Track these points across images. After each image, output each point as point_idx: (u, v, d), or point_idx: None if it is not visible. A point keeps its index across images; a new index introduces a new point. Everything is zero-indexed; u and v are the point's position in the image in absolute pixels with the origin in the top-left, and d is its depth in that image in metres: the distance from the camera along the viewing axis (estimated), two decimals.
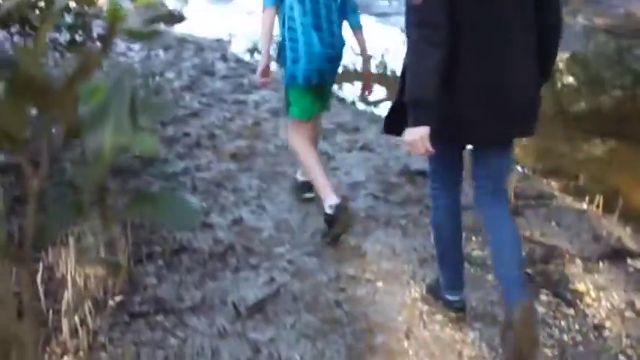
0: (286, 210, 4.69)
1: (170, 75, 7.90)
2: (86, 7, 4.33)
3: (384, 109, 7.25)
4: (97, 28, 5.14)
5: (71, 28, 4.41)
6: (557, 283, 3.85)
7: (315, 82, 4.31)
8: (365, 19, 5.66)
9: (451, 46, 2.79)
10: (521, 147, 6.36)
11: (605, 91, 8.60)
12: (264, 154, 5.62)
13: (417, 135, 2.83)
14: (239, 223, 4.50)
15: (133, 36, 0.75)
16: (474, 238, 4.26)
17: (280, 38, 4.34)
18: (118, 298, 3.56)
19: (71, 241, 3.59)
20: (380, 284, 3.81)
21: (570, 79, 9.11)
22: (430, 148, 2.84)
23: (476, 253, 4.12)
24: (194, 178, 5.18)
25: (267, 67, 4.33)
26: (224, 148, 5.68)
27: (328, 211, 4.14)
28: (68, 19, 4.42)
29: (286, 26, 4.24)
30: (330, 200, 4.15)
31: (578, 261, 4.05)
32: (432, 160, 3.22)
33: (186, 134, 6.04)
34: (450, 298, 3.49)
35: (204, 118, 6.46)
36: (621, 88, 8.72)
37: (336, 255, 4.11)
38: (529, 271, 3.89)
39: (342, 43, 4.37)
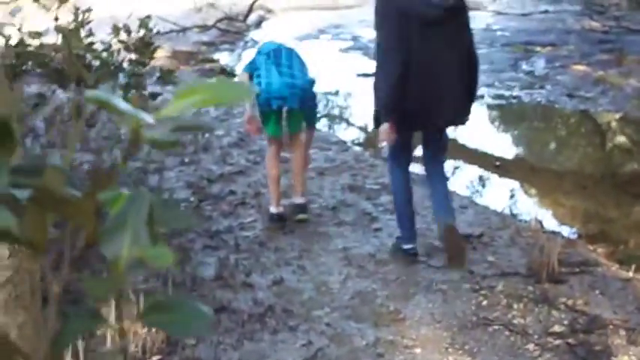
0: (327, 272, 4.71)
1: (220, 132, 8.03)
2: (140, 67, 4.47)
3: None
4: (150, 86, 5.30)
5: (126, 88, 4.54)
6: (600, 354, 3.78)
7: (276, 107, 5.21)
8: None
9: (405, 71, 4.30)
10: (568, 209, 6.32)
11: (631, 146, 8.51)
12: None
13: (384, 128, 4.46)
14: (279, 283, 4.53)
15: (157, 146, 0.80)
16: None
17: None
18: (156, 358, 3.60)
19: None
20: (418, 350, 3.79)
21: (622, 140, 9.03)
22: (392, 137, 4.48)
23: None
24: (237, 236, 5.24)
25: (251, 117, 5.42)
26: (269, 207, 5.74)
27: (270, 212, 5.50)
28: (122, 78, 4.57)
29: (255, 79, 5.22)
30: (273, 209, 5.49)
31: (622, 332, 3.97)
32: (391, 144, 4.63)
33: (232, 192, 6.13)
34: (406, 247, 4.81)
35: (251, 176, 6.54)
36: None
37: (374, 319, 4.10)
38: (570, 341, 3.83)
39: (304, 78, 5.31)
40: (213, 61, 13.76)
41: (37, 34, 4.66)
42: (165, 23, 15.47)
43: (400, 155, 4.78)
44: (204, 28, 15.83)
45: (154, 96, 4.69)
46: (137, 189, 0.80)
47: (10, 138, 0.72)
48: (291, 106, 5.26)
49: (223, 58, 14.64)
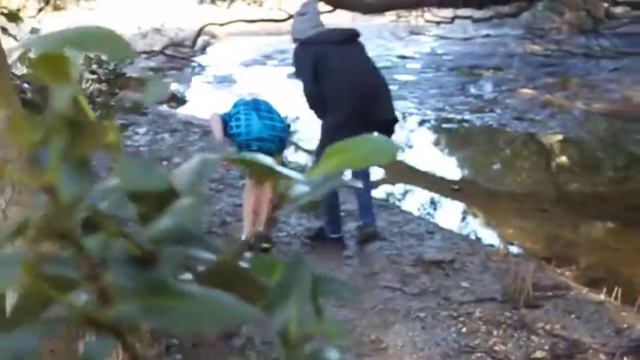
0: None
1: (177, 159, 7.93)
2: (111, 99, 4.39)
3: (393, 197, 7.30)
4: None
5: (99, 119, 4.45)
6: None
7: (256, 148, 5.18)
8: None
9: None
10: (531, 233, 6.39)
11: (600, 173, 8.68)
12: (278, 243, 5.62)
13: None
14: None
15: (301, 207, 0.76)
16: None
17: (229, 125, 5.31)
18: None
19: None
20: None
21: (574, 163, 9.20)
22: None
23: None
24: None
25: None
26: (237, 236, 5.67)
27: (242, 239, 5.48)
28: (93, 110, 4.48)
29: (234, 124, 5.24)
30: (244, 237, 5.46)
31: (602, 356, 4.01)
32: None
33: None
34: (335, 236, 5.53)
35: (215, 204, 6.47)
36: (615, 169, 8.82)
37: (357, 349, 4.07)
38: None
39: (282, 122, 5.36)
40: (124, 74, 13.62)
41: None
42: None
43: None
44: (151, 54, 15.68)
45: (123, 127, 4.60)
46: (296, 256, 0.76)
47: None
48: (270, 148, 5.25)
49: (172, 84, 14.51)
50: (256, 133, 5.20)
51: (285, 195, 0.80)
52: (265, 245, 5.44)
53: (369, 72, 5.54)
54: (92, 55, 4.64)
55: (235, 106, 5.43)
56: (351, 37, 5.63)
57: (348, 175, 5.70)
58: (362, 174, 5.46)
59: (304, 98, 5.51)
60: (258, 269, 0.75)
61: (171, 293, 0.59)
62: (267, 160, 0.75)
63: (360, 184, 0.94)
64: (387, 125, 5.38)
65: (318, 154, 5.47)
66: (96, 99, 4.45)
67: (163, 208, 0.67)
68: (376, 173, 8.25)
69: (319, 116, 5.52)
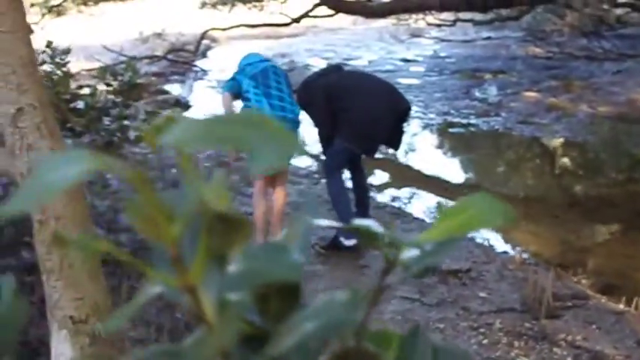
0: None
1: None
2: (125, 110, 4.35)
3: (407, 204, 7.26)
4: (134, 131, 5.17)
5: (109, 131, 4.42)
6: None
7: None
8: None
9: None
10: (545, 240, 6.36)
11: (610, 177, 8.66)
12: None
13: None
14: None
15: (412, 273, 0.72)
16: None
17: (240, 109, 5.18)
18: None
19: None
20: None
21: (582, 167, 9.18)
22: None
23: None
24: None
25: None
26: None
27: None
28: (107, 121, 4.44)
29: (245, 100, 5.15)
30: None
31: None
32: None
33: None
34: (350, 244, 5.48)
35: None
36: (624, 173, 8.79)
37: None
38: None
39: (293, 108, 5.20)
40: (165, 92, 13.58)
41: None
42: (112, 54, 15.27)
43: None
44: (153, 58, 15.65)
45: (138, 139, 4.57)
46: (414, 329, 0.73)
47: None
48: None
49: (175, 89, 14.49)
50: None
51: (395, 261, 0.77)
52: None
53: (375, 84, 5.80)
54: (104, 65, 4.62)
55: (242, 72, 5.25)
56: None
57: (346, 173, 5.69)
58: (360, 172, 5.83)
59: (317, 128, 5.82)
60: (373, 342, 0.72)
61: None
62: (378, 227, 0.72)
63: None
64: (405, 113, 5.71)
65: (334, 155, 5.62)
66: (110, 110, 4.41)
67: (289, 299, 0.63)
68: (382, 177, 8.23)
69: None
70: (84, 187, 2.53)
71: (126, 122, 4.55)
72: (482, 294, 4.86)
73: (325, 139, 5.75)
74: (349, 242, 5.51)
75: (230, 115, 0.51)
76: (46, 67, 4.70)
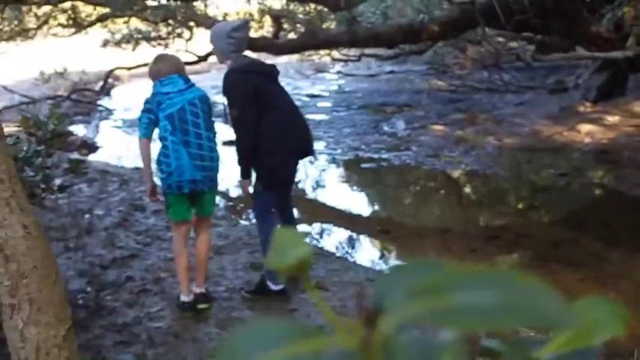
0: None
1: (99, 211, 7.67)
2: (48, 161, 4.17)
3: (328, 243, 7.21)
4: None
5: (32, 182, 4.23)
6: None
7: (187, 191, 4.98)
8: None
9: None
10: None
11: (523, 209, 8.86)
12: (216, 298, 5.45)
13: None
14: None
15: None
16: None
17: (157, 154, 5.00)
18: None
19: None
20: None
21: (495, 199, 9.36)
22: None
23: None
24: (148, 328, 4.96)
25: (153, 187, 5.19)
26: (174, 293, 5.48)
27: (182, 300, 5.24)
28: (30, 172, 4.25)
29: (161, 145, 4.96)
30: (184, 297, 5.24)
31: None
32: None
33: (130, 278, 5.83)
34: (276, 288, 5.36)
35: (146, 259, 6.26)
36: (537, 204, 9.02)
37: None
38: None
39: (212, 154, 5.02)
40: (70, 134, 13.23)
41: None
42: (13, 95, 14.83)
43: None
44: (57, 98, 15.24)
45: (62, 189, 4.39)
46: None
47: None
48: (202, 189, 5.03)
49: (80, 130, 14.14)
50: (189, 175, 4.89)
51: None
52: (203, 306, 5.24)
53: (299, 110, 5.51)
54: (29, 115, 4.43)
55: (158, 103, 4.89)
56: (277, 72, 5.43)
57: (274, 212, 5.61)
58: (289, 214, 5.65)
59: (240, 133, 5.14)
60: None
61: None
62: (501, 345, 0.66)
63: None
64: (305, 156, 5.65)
65: (260, 196, 5.31)
66: (32, 161, 4.22)
67: None
68: (299, 214, 8.18)
69: (249, 156, 5.17)
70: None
71: (48, 172, 4.37)
72: None
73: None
74: (277, 287, 5.40)
75: (461, 275, 0.43)
76: None
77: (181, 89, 4.97)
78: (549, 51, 14.01)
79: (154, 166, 5.10)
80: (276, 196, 5.41)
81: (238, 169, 5.30)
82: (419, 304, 0.40)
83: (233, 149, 5.31)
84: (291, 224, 5.67)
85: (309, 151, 5.57)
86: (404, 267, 0.57)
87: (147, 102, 5.03)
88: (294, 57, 21.67)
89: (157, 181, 5.22)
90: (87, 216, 7.39)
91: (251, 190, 5.39)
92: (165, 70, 5.03)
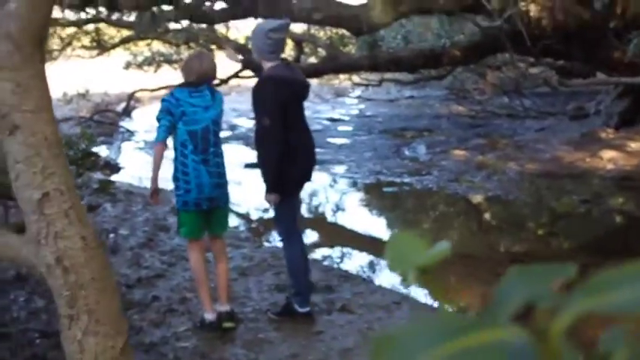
0: None
1: (124, 231, 7.71)
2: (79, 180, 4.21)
3: (353, 266, 7.20)
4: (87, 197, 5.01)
5: None
6: None
7: (205, 208, 5.05)
8: None
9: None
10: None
11: (547, 235, 8.82)
12: (242, 319, 5.45)
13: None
14: None
15: None
16: None
17: (174, 169, 5.04)
18: None
19: None
20: None
21: (509, 223, 9.32)
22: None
23: None
24: (175, 348, 4.97)
25: (156, 191, 5.09)
26: (200, 314, 5.48)
27: (207, 319, 5.21)
28: None
29: (179, 160, 4.98)
30: (209, 315, 5.21)
31: None
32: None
33: (156, 298, 5.85)
34: (303, 310, 5.36)
35: (171, 280, 6.28)
36: (562, 231, 8.98)
37: None
38: None
39: (224, 171, 5.14)
40: (93, 154, 13.32)
41: None
42: None
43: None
44: (79, 120, 15.36)
45: (91, 208, 4.43)
46: None
47: None
48: (218, 206, 5.15)
49: (102, 151, 14.23)
50: (208, 193, 4.98)
51: None
52: (228, 325, 5.24)
53: (312, 140, 5.42)
54: (61, 136, 4.46)
55: (181, 111, 4.87)
56: (307, 93, 5.38)
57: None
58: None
59: (269, 143, 5.00)
60: None
61: None
62: None
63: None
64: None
65: (280, 216, 5.35)
66: None
67: None
68: (325, 238, 8.19)
69: (277, 167, 4.99)
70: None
71: (78, 192, 4.40)
72: None
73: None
74: (303, 309, 5.40)
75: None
76: None
77: (207, 105, 5.00)
78: (570, 77, 14.05)
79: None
80: (292, 207, 5.39)
81: (264, 184, 5.12)
82: (589, 299, 0.42)
83: (255, 172, 5.37)
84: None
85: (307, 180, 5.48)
86: (525, 270, 0.59)
87: (168, 102, 4.96)
88: (314, 81, 21.79)
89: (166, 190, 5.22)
90: (112, 235, 7.42)
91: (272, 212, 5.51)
92: (205, 67, 5.04)
